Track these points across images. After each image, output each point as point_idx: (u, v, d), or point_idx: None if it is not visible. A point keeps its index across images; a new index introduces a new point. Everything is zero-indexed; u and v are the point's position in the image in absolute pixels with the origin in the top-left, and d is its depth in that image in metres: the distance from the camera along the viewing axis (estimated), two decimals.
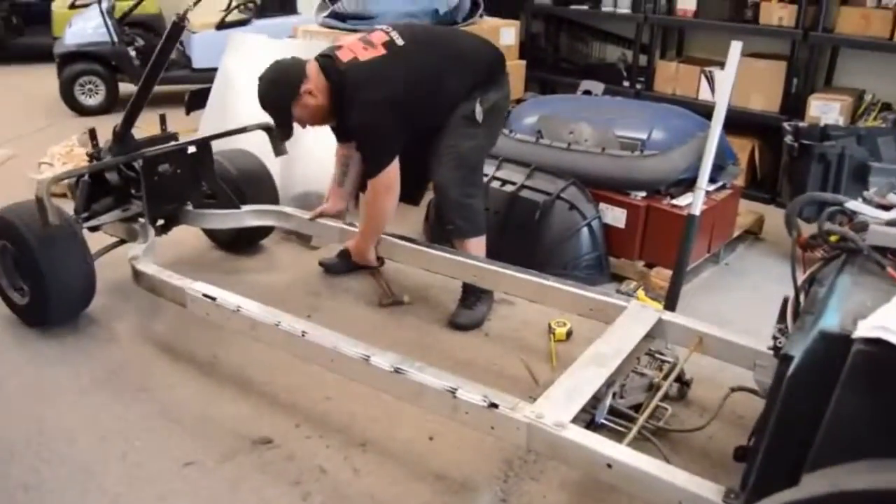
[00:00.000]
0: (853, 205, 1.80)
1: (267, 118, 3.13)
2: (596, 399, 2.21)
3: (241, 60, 4.84)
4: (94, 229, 3.27)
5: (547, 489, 2.31)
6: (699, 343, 2.44)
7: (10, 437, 2.51)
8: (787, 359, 1.40)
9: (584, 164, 3.66)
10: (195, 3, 2.87)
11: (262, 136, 3.62)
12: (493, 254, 3.17)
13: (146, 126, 3.33)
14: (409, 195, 3.42)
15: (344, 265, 3.66)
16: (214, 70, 4.99)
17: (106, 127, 3.49)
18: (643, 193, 3.61)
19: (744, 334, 2.42)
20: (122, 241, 3.35)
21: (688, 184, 3.54)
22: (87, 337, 3.11)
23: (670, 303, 3.00)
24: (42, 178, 2.95)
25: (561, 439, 1.92)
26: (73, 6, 7.58)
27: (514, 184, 3.68)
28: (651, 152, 3.57)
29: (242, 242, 3.88)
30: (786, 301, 1.92)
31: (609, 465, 1.85)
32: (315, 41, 4.52)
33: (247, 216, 3.51)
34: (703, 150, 3.11)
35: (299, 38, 5.04)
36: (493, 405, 2.03)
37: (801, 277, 1.85)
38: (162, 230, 3.44)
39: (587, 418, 2.21)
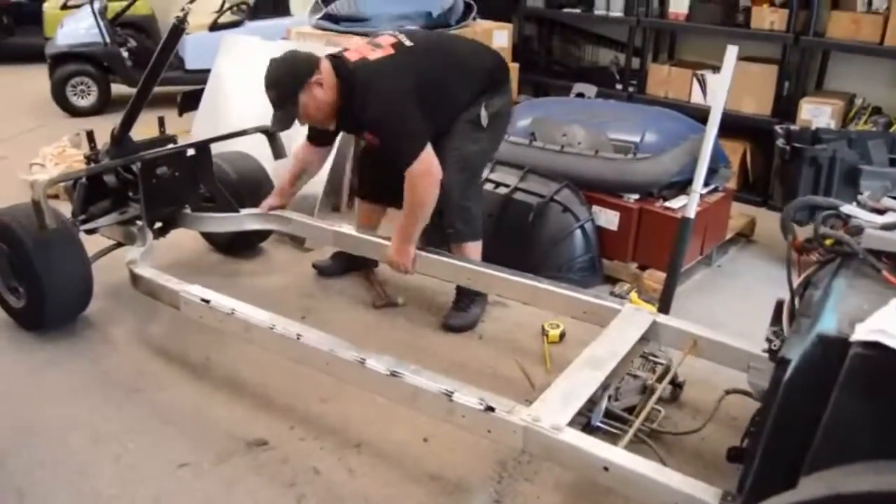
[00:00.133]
0: (848, 209, 1.81)
1: (265, 121, 3.12)
2: (592, 402, 2.21)
3: (233, 62, 4.84)
4: (91, 232, 3.25)
5: (541, 490, 2.31)
6: (693, 346, 2.45)
7: (3, 440, 2.50)
8: (785, 362, 1.41)
9: (577, 167, 3.67)
10: (190, 2, 2.84)
11: (261, 139, 3.60)
12: (487, 256, 3.17)
13: (142, 128, 3.32)
14: (391, 193, 3.38)
15: (337, 267, 3.66)
16: (207, 71, 4.99)
17: (98, 128, 3.49)
18: (636, 196, 3.62)
19: (737, 337, 2.44)
20: (120, 245, 3.33)
21: (680, 186, 3.56)
22: (81, 339, 3.09)
23: (664, 305, 3.00)
24: (39, 181, 2.93)
25: (558, 442, 1.93)
26: (64, 7, 7.54)
27: (507, 186, 3.69)
28: (644, 155, 3.59)
29: (240, 245, 3.87)
30: (779, 303, 1.94)
31: (606, 468, 1.86)
32: (308, 43, 4.52)
33: (246, 220, 3.49)
34: (695, 152, 3.12)
35: (292, 40, 5.04)
36: (490, 408, 2.03)
37: (796, 281, 1.86)
38: (160, 233, 3.43)
39: (583, 421, 2.22)
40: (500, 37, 5.09)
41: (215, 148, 3.51)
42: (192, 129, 4.80)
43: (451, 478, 2.37)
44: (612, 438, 2.14)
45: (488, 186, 3.72)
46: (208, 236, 3.91)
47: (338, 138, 3.38)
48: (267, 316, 2.54)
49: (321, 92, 2.86)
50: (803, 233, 1.91)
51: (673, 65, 5.35)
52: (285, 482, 2.33)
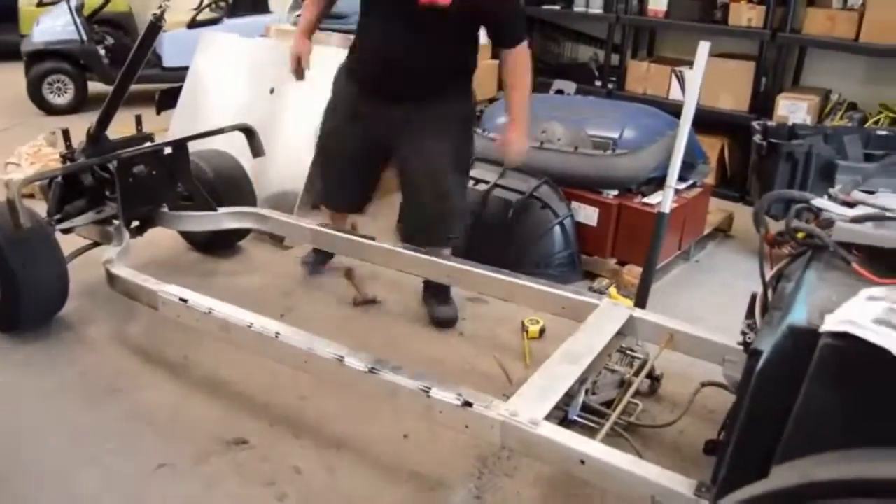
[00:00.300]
0: (819, 202, 1.83)
1: (243, 118, 3.12)
2: (569, 396, 2.22)
3: (212, 59, 4.81)
4: (66, 231, 3.22)
5: (521, 485, 2.32)
6: (669, 339, 2.47)
7: None
8: (756, 353, 1.43)
9: (556, 163, 3.68)
10: (167, 1, 2.84)
11: (239, 137, 3.59)
12: (466, 253, 3.17)
13: (118, 126, 3.29)
14: (357, 201, 3.43)
15: (322, 256, 3.64)
16: (185, 69, 4.96)
17: (75, 126, 3.46)
18: (615, 192, 3.64)
19: (713, 330, 2.45)
20: (96, 244, 3.31)
21: (659, 182, 3.58)
22: (57, 340, 3.06)
23: (640, 300, 3.03)
24: (12, 180, 2.90)
25: (535, 436, 1.93)
26: (40, 4, 7.47)
27: (486, 183, 3.69)
28: (622, 151, 3.61)
29: (218, 244, 3.85)
30: (754, 297, 1.95)
31: (582, 462, 1.87)
32: (287, 41, 4.50)
33: (224, 218, 3.48)
34: (673, 148, 3.15)
35: (271, 37, 5.02)
36: (467, 404, 2.04)
37: (769, 273, 1.88)
38: (137, 232, 3.40)
39: (560, 415, 2.23)
40: (480, 34, 5.09)
41: (193, 146, 3.49)
42: (169, 127, 4.77)
43: (431, 474, 2.37)
44: (590, 432, 2.16)
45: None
46: (186, 235, 3.88)
47: None
48: (245, 314, 2.53)
49: None
50: (778, 227, 1.92)
51: (652, 61, 5.37)
52: (265, 481, 2.33)
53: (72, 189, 3.21)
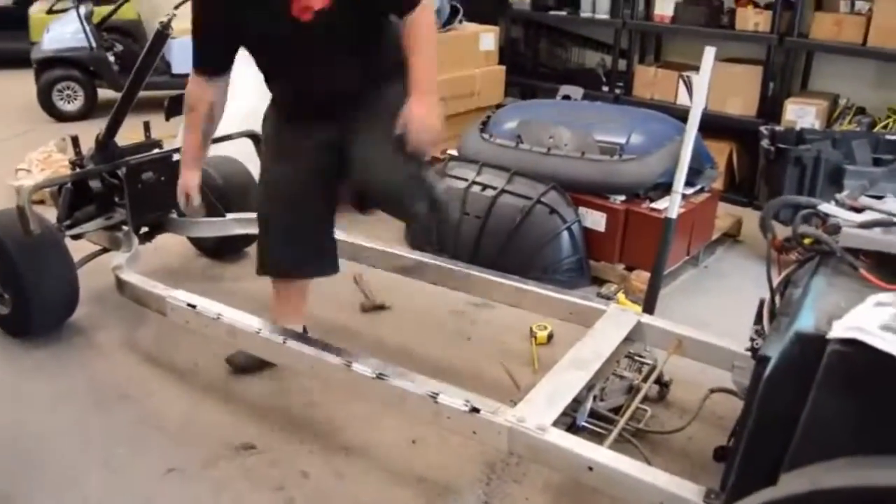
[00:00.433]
0: (826, 207, 1.83)
1: (251, 125, 3.11)
2: (577, 402, 2.23)
3: None
4: (76, 237, 3.24)
5: (529, 492, 2.32)
6: (678, 345, 2.47)
7: None
8: (764, 360, 1.43)
9: (563, 169, 3.68)
10: (176, 8, 2.86)
11: (247, 143, 3.60)
12: (474, 258, 3.18)
13: (127, 133, 3.31)
14: (314, 256, 2.81)
15: (252, 360, 2.84)
16: None
17: (84, 133, 3.48)
18: (622, 197, 3.64)
19: (722, 336, 2.45)
20: (106, 250, 3.33)
21: (666, 187, 3.57)
22: (67, 345, 3.08)
23: (648, 306, 3.02)
24: (23, 186, 2.92)
25: (542, 443, 1.94)
26: (50, 11, 7.51)
27: (494, 189, 3.69)
28: (630, 156, 3.60)
29: (227, 249, 3.86)
30: (762, 303, 1.95)
31: (590, 468, 1.87)
32: None
33: (232, 224, 3.49)
34: (680, 154, 3.15)
35: None
36: (475, 409, 2.04)
37: (776, 279, 1.87)
38: (146, 238, 3.42)
39: (568, 421, 2.23)
40: (486, 39, 5.11)
41: None
42: (178, 133, 4.79)
43: (439, 480, 2.37)
44: (598, 438, 2.15)
45: (475, 189, 3.74)
46: (195, 241, 3.90)
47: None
48: (253, 320, 2.54)
49: None
50: (786, 232, 1.92)
51: (659, 66, 5.37)
52: (273, 486, 2.33)
53: (81, 195, 3.24)
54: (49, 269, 2.95)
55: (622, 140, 3.65)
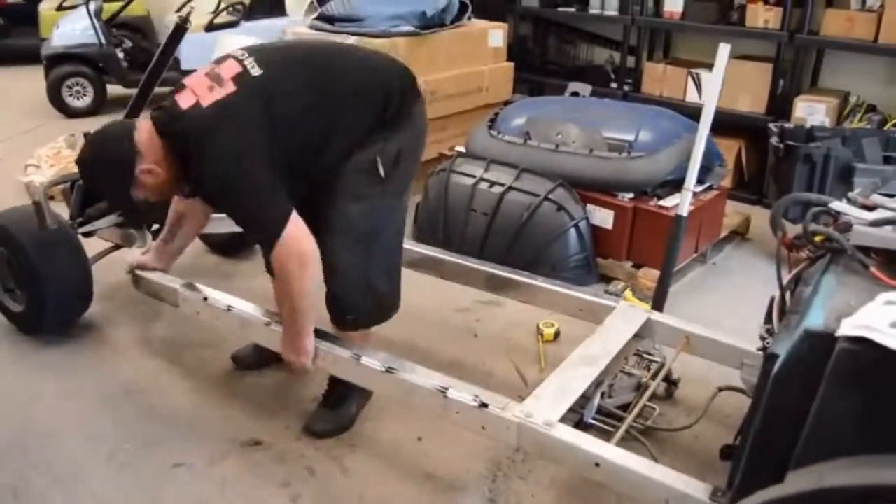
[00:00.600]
0: (837, 205, 1.81)
1: None
2: (585, 398, 2.22)
3: None
4: (88, 235, 3.24)
5: (535, 488, 2.32)
6: (686, 343, 2.46)
7: None
8: (773, 357, 1.42)
9: (571, 166, 3.68)
10: (185, 3, 2.87)
11: None
12: (482, 255, 3.17)
13: None
14: None
15: (256, 358, 2.91)
16: None
17: (93, 129, 3.46)
18: (630, 194, 3.63)
19: (731, 334, 2.44)
20: (118, 247, 3.33)
21: (675, 185, 3.57)
22: (77, 341, 3.09)
23: (657, 303, 3.01)
24: (39, 182, 2.92)
25: (550, 438, 1.94)
26: (60, 8, 7.54)
27: (502, 185, 3.69)
28: (638, 153, 3.60)
29: (236, 246, 3.86)
30: (772, 301, 1.94)
31: (597, 464, 1.86)
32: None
33: None
34: (689, 151, 3.13)
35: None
36: (484, 405, 2.04)
37: (786, 277, 1.87)
38: (157, 234, 3.41)
39: (576, 418, 2.23)
40: (495, 36, 5.10)
41: None
42: None
43: (445, 476, 2.37)
44: (606, 435, 2.15)
45: (483, 185, 3.74)
46: (205, 237, 3.90)
47: None
48: (263, 313, 2.54)
49: (153, 178, 2.25)
50: (796, 230, 1.91)
51: (668, 63, 5.35)
52: (280, 482, 2.34)
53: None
54: (64, 267, 2.94)
55: (631, 137, 3.64)
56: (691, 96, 5.07)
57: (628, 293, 3.36)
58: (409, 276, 3.25)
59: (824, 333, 1.32)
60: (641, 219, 3.58)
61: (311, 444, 2.51)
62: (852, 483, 1.22)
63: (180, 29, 2.93)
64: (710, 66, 2.86)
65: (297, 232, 2.14)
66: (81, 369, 2.90)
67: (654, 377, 2.53)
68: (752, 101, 4.83)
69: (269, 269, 2.36)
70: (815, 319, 1.37)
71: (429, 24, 4.65)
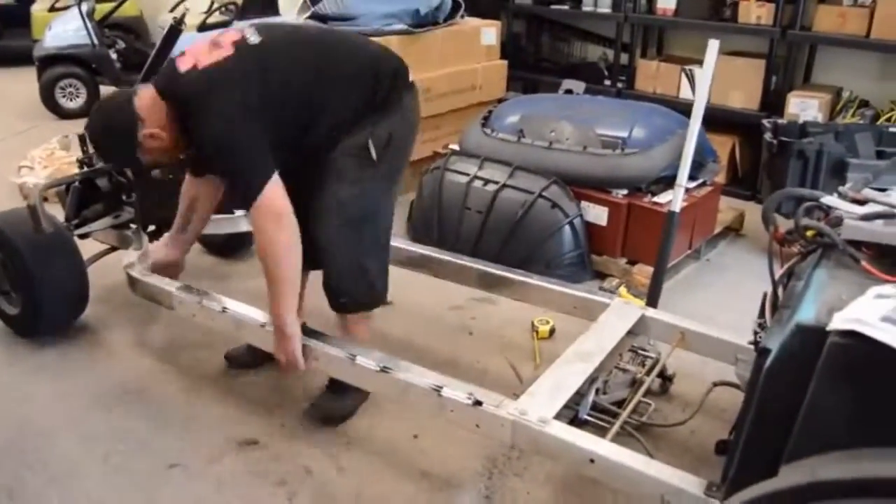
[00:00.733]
0: (829, 200, 1.82)
1: None
2: (579, 395, 2.23)
3: None
4: (83, 236, 3.23)
5: (531, 485, 2.32)
6: (681, 339, 2.47)
7: None
8: (765, 352, 1.43)
9: (565, 163, 3.68)
10: (178, 3, 2.87)
11: None
12: (476, 253, 3.18)
13: None
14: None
15: (251, 357, 2.90)
16: None
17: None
18: (624, 191, 3.63)
19: (725, 329, 2.45)
20: (114, 249, 3.32)
21: (668, 181, 3.57)
22: (72, 342, 3.09)
23: (652, 299, 3.02)
24: (35, 185, 2.91)
25: (544, 435, 1.94)
26: (52, 9, 7.52)
27: (496, 183, 3.69)
28: (632, 150, 3.60)
29: (233, 247, 3.85)
30: (766, 296, 1.95)
31: (592, 461, 1.87)
32: None
33: (242, 221, 3.47)
34: (683, 147, 3.14)
35: None
36: (478, 402, 2.05)
37: (778, 272, 1.87)
38: (153, 236, 3.40)
39: (570, 414, 2.23)
40: (488, 34, 5.10)
41: None
42: None
43: (440, 474, 2.38)
44: (601, 431, 2.16)
45: (477, 183, 3.74)
46: (201, 238, 3.88)
47: None
48: (258, 314, 2.54)
49: (156, 141, 2.34)
50: (789, 225, 1.92)
51: (661, 60, 5.35)
52: (276, 481, 2.34)
53: (89, 194, 3.22)
54: (59, 269, 2.93)
55: (624, 134, 3.65)
56: (685, 93, 5.07)
57: (623, 290, 3.36)
58: (403, 275, 3.27)
59: (816, 327, 1.33)
60: (635, 215, 3.59)
61: (307, 442, 2.51)
62: (845, 476, 1.23)
63: (175, 30, 2.93)
64: (702, 63, 2.87)
65: (274, 192, 2.19)
66: (77, 371, 2.90)
67: (648, 373, 2.54)
68: (745, 97, 4.84)
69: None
70: (807, 314, 1.38)
71: (422, 22, 4.65)
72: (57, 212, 3.21)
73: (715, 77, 2.96)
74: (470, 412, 2.06)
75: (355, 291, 2.48)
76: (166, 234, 2.93)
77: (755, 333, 1.91)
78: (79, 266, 3.01)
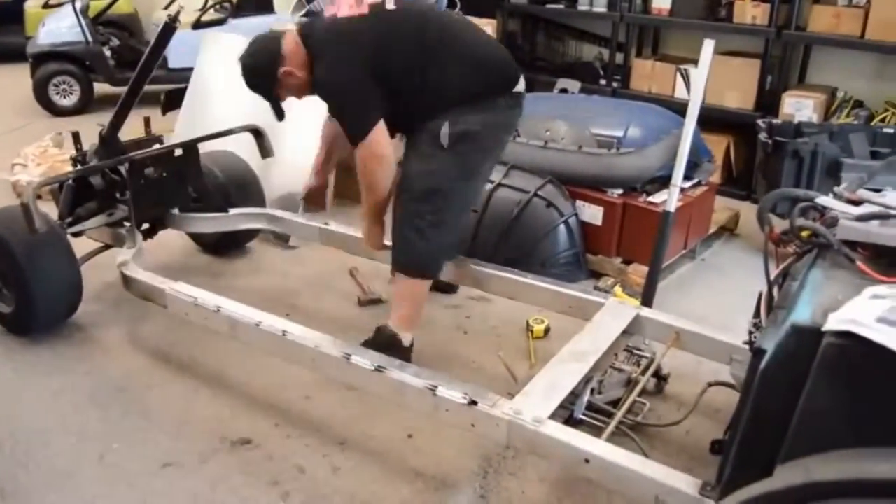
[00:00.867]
0: (824, 200, 1.82)
1: (248, 119, 3.09)
2: (574, 395, 2.23)
3: (216, 60, 4.80)
4: (77, 234, 3.21)
5: (526, 485, 2.32)
6: (676, 338, 2.47)
7: None
8: (760, 352, 1.42)
9: (560, 162, 3.68)
10: (171, 2, 2.86)
11: (248, 138, 3.58)
12: (471, 252, 3.17)
13: (125, 128, 3.29)
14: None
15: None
16: (190, 70, 4.96)
17: (80, 127, 3.47)
18: (619, 190, 3.64)
19: (720, 329, 2.45)
20: (108, 246, 3.31)
21: (663, 181, 3.57)
22: (67, 341, 3.07)
23: (647, 299, 3.02)
24: (28, 182, 2.90)
25: (539, 435, 1.94)
26: (46, 5, 7.49)
27: (491, 182, 3.68)
28: (627, 150, 3.60)
29: (227, 245, 3.85)
30: (761, 296, 1.95)
31: (587, 460, 1.87)
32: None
33: (235, 219, 3.48)
34: (678, 147, 3.15)
35: None
36: (473, 402, 2.04)
37: (774, 272, 1.87)
38: (148, 234, 3.40)
39: (565, 414, 2.23)
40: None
41: (201, 147, 3.48)
42: (175, 128, 4.78)
43: (435, 473, 2.37)
44: (596, 431, 2.15)
45: None
46: (195, 237, 3.88)
47: None
48: (252, 313, 2.54)
49: (294, 79, 2.64)
50: (784, 225, 1.92)
51: (657, 60, 5.36)
52: (270, 480, 2.33)
53: (82, 192, 3.21)
54: (53, 268, 2.92)
55: (619, 133, 3.65)
56: (680, 92, 5.08)
57: (618, 289, 3.36)
58: None
59: (811, 328, 1.33)
60: (630, 215, 3.59)
61: (300, 442, 2.50)
62: (840, 477, 1.23)
63: (169, 28, 2.90)
64: (698, 63, 2.87)
65: (380, 138, 2.54)
66: (70, 369, 2.89)
67: (643, 373, 2.54)
68: (740, 97, 4.85)
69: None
70: (802, 314, 1.38)
71: None
72: (50, 210, 3.20)
73: (710, 77, 2.97)
74: (465, 412, 2.06)
75: (399, 254, 2.71)
76: (315, 162, 3.16)
77: (750, 334, 1.91)
78: (72, 264, 3.00)
